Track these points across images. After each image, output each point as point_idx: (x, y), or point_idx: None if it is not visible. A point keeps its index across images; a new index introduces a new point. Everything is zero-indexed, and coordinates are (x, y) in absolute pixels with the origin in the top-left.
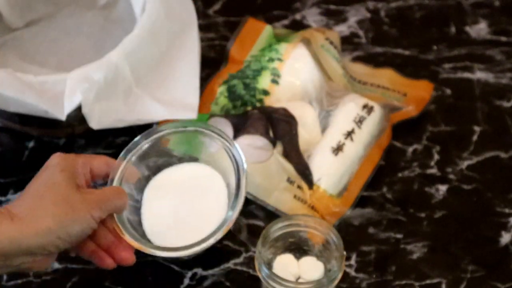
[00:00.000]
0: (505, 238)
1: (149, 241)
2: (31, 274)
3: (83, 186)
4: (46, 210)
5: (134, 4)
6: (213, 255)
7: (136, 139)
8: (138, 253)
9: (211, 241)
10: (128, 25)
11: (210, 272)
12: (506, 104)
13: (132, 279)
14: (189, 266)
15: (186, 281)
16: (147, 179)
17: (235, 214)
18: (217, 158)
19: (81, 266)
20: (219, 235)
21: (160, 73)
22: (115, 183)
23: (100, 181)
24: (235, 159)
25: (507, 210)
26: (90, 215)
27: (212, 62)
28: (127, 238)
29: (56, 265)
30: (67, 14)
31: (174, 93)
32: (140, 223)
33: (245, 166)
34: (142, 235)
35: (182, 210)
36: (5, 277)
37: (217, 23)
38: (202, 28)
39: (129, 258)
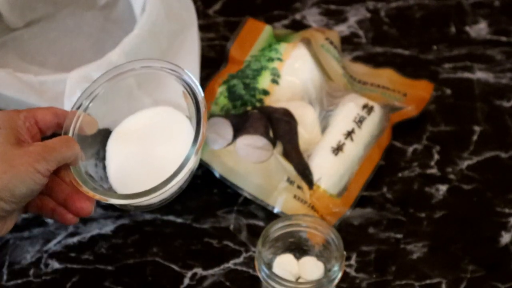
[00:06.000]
0: (505, 238)
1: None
2: (31, 274)
3: (28, 141)
4: None
5: (134, 4)
6: (213, 255)
7: (83, 91)
8: (137, 253)
9: (173, 183)
10: (128, 25)
11: (210, 272)
12: (506, 104)
13: (132, 279)
14: (189, 266)
15: (186, 281)
16: (109, 129)
17: (196, 149)
18: (172, 92)
19: (81, 266)
20: (180, 176)
21: None
22: (69, 134)
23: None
24: (191, 89)
25: (507, 210)
26: (33, 169)
27: (212, 62)
28: (85, 189)
29: (56, 265)
30: (67, 14)
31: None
32: (106, 178)
33: (201, 92)
34: (109, 190)
35: (150, 159)
36: (5, 277)
37: (217, 23)
38: (202, 28)
39: (85, 208)
